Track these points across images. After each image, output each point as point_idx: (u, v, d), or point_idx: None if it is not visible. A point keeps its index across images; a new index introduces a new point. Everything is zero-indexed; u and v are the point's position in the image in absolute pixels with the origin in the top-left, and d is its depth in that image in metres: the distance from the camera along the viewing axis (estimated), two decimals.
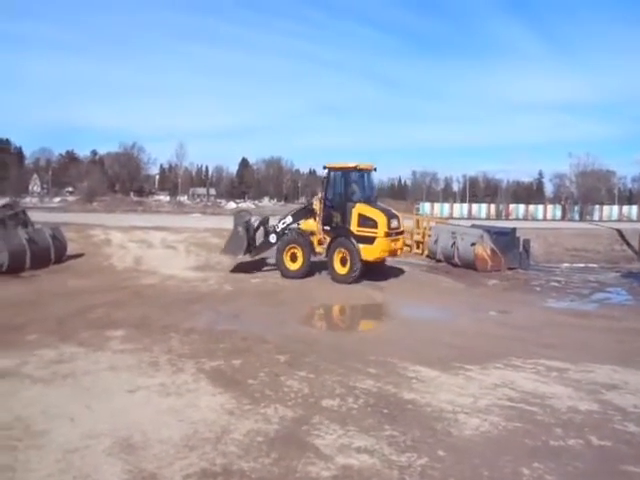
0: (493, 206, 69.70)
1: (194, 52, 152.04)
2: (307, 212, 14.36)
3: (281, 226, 14.11)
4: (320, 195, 14.08)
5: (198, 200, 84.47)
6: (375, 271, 13.50)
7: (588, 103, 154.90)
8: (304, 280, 13.28)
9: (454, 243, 16.63)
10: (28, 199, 61.59)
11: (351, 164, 13.74)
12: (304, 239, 13.76)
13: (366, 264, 13.02)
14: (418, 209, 60.04)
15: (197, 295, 11.30)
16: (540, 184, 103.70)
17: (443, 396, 5.59)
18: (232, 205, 76.63)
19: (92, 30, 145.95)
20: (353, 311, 10.96)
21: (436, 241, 17.55)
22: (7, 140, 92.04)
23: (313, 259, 13.77)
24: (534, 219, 58.70)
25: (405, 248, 20.15)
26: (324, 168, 14.26)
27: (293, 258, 13.66)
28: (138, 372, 6.24)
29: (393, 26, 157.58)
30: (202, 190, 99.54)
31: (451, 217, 51.56)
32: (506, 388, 5.89)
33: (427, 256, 18.26)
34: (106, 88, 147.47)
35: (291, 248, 13.65)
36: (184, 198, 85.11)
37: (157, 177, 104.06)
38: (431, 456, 4.22)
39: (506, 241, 16.72)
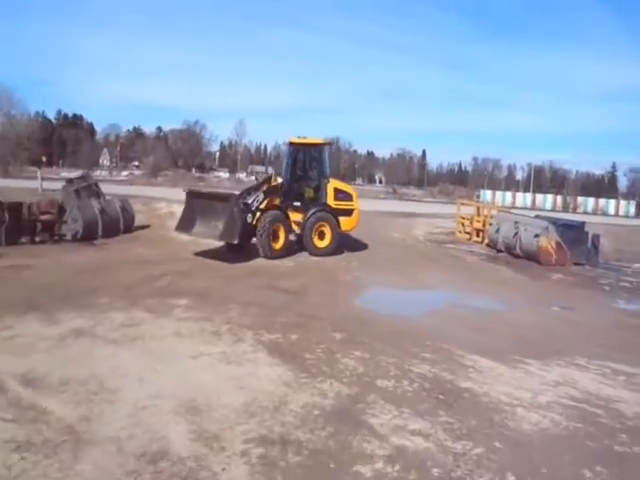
0: (559, 197, 66.63)
1: (259, 33, 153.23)
2: (272, 189, 13.52)
3: (255, 204, 12.91)
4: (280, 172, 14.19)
5: (255, 177, 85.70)
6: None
7: None
8: (353, 260, 13.33)
9: (517, 233, 16.07)
10: (98, 172, 64.62)
11: (322, 140, 14.62)
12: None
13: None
14: (479, 196, 58.35)
15: (257, 269, 11.59)
16: (613, 177, 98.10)
17: (501, 388, 5.50)
18: None
19: (163, 11, 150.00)
20: (408, 295, 10.88)
21: (497, 230, 17.03)
22: (81, 116, 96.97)
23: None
24: (604, 214, 55.70)
25: (465, 235, 19.79)
26: (289, 144, 14.34)
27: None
28: (201, 339, 6.52)
29: (465, 8, 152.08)
30: (260, 168, 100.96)
31: (514, 206, 49.78)
32: (568, 387, 5.71)
33: (487, 245, 17.79)
34: (172, 67, 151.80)
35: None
36: (243, 175, 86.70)
37: (217, 154, 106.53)
38: (487, 446, 4.19)
39: (573, 235, 15.94)
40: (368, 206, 37.72)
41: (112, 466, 3.60)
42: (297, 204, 13.72)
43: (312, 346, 6.47)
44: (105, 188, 17.06)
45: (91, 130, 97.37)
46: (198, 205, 12.80)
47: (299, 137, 14.77)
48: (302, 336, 6.87)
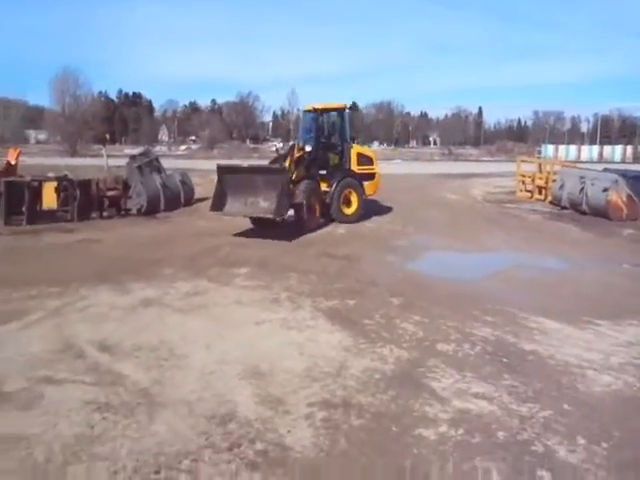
0: (630, 148, 62.16)
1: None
2: (299, 159, 12.75)
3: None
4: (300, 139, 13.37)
5: (277, 149, 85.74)
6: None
7: None
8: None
9: (583, 189, 15.22)
10: (158, 147, 66.67)
11: (341, 104, 13.93)
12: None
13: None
14: (540, 152, 55.56)
15: (312, 238, 11.67)
16: None
17: (568, 350, 5.31)
18: None
19: None
20: (468, 258, 10.62)
21: (561, 187, 16.20)
22: (140, 94, 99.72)
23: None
24: None
25: (526, 194, 18.97)
26: (313, 111, 13.52)
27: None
28: (262, 307, 6.69)
29: None
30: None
31: (578, 160, 47.00)
32: None
33: (550, 202, 17.01)
34: (223, 38, 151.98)
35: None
36: None
37: (270, 124, 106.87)
38: (555, 409, 4.08)
39: None
40: (422, 169, 36.91)
41: (184, 427, 3.81)
42: (322, 172, 13.18)
43: (370, 312, 6.48)
44: (165, 163, 17.58)
45: (150, 107, 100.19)
46: (232, 181, 11.85)
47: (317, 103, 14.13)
48: (360, 302, 6.90)
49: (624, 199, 14.37)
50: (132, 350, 5.24)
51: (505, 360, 5.04)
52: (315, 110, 13.48)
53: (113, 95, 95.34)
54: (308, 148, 12.80)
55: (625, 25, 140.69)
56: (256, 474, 3.27)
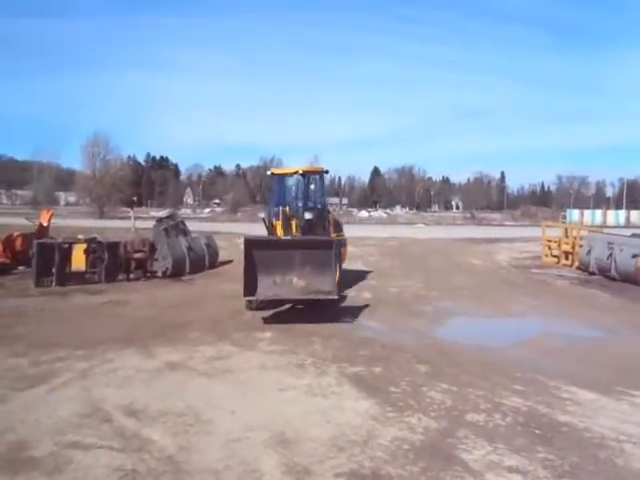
0: None
1: (324, 65, 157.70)
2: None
3: None
4: (285, 205, 11.90)
5: (332, 209, 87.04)
6: None
7: None
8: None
9: (611, 254, 15.05)
10: (183, 210, 68.63)
11: (320, 167, 13.40)
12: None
13: None
14: (565, 217, 55.35)
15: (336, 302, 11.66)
16: None
17: (604, 422, 5.12)
18: (364, 214, 77.68)
19: (238, 50, 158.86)
20: (494, 324, 10.46)
21: (589, 252, 16.05)
22: (167, 158, 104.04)
23: None
24: None
25: (552, 259, 18.80)
26: (298, 174, 12.22)
27: None
28: (286, 372, 6.65)
29: (542, 20, 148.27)
30: (335, 199, 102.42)
31: (605, 225, 46.61)
32: None
33: (577, 268, 16.79)
34: (248, 105, 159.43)
35: None
36: None
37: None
38: None
39: None
40: (445, 233, 37.02)
41: None
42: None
43: (397, 379, 6.39)
44: (189, 225, 18.08)
45: (176, 171, 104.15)
46: (263, 257, 9.91)
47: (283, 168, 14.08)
48: (386, 369, 6.81)
49: None
50: (158, 415, 5.23)
51: (538, 432, 4.87)
52: (304, 173, 12.24)
53: (141, 159, 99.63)
54: (308, 215, 11.64)
55: None
56: None
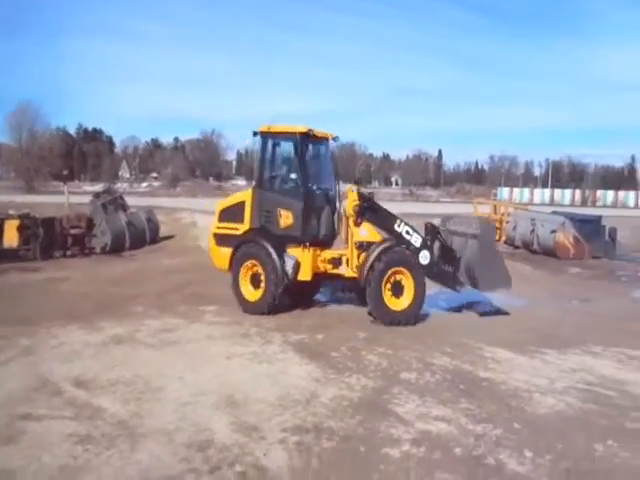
0: (578, 192, 65.91)
1: (272, 39, 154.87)
2: None
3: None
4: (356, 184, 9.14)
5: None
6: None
7: None
8: None
9: (533, 230, 16.28)
10: (119, 184, 65.99)
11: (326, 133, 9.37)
12: None
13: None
14: (496, 194, 58.08)
15: None
16: (632, 169, 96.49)
17: (519, 376, 5.81)
18: None
19: (178, 20, 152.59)
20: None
21: (514, 228, 17.25)
22: (100, 130, 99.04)
23: None
24: (625, 206, 55.00)
25: None
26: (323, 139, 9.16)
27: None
28: (232, 341, 6.95)
29: (476, 3, 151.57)
30: None
31: (531, 203, 49.47)
32: (584, 373, 5.98)
33: (504, 242, 17.98)
34: (187, 77, 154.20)
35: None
36: None
37: (234, 162, 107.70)
38: (506, 428, 4.51)
39: (590, 229, 16.11)
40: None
41: (166, 455, 4.02)
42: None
43: (337, 345, 6.84)
44: (127, 200, 17.67)
45: (110, 143, 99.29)
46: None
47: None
48: (327, 336, 7.26)
49: (571, 240, 15.46)
50: (108, 385, 5.39)
51: (462, 386, 5.48)
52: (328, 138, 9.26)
53: (72, 130, 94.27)
54: (354, 189, 8.66)
55: (577, 77, 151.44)
56: None
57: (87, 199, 16.77)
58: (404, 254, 8.25)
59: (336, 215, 9.02)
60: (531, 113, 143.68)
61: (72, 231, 14.47)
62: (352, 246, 8.45)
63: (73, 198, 24.15)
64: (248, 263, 8.57)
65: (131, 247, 15.26)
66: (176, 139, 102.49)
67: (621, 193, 63.97)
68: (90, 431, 4.39)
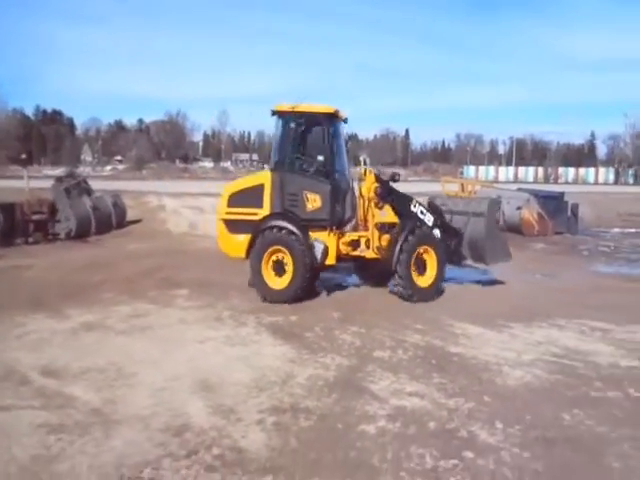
0: (541, 169, 67.62)
1: (237, 18, 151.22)
2: None
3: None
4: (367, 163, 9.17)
5: (241, 166, 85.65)
6: None
7: None
8: None
9: (500, 207, 16.60)
10: (81, 168, 64.11)
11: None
12: None
13: None
14: (462, 173, 59.01)
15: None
16: (592, 146, 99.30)
17: (488, 350, 5.98)
18: None
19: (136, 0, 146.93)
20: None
21: None
22: (60, 111, 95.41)
23: None
24: (585, 183, 56.79)
25: None
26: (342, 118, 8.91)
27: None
28: (205, 325, 6.90)
29: None
30: (245, 156, 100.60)
31: (497, 180, 50.50)
32: (550, 345, 6.20)
33: None
34: (151, 56, 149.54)
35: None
36: (227, 164, 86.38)
37: (200, 144, 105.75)
38: (477, 401, 4.65)
39: (554, 205, 16.59)
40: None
41: (142, 440, 3.99)
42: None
43: (311, 325, 6.88)
44: (91, 184, 17.19)
45: (71, 125, 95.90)
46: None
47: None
48: (301, 317, 7.28)
49: (535, 216, 15.88)
50: (79, 373, 5.29)
51: (434, 362, 5.60)
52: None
53: (30, 112, 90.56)
54: (371, 170, 8.95)
55: (540, 57, 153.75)
56: (216, 475, 3.54)
57: (48, 184, 16.19)
58: (429, 233, 8.63)
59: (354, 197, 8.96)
60: (496, 92, 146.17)
61: (34, 217, 13.99)
62: (373, 228, 8.57)
63: (33, 183, 23.27)
64: (272, 249, 8.14)
65: (97, 232, 14.89)
66: (140, 120, 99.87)
67: (581, 170, 65.98)
68: (62, 420, 4.31)
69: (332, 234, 8.34)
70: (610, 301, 8.49)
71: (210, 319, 7.20)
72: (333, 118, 8.50)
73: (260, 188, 8.39)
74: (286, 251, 8.07)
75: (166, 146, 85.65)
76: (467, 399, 4.68)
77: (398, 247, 8.23)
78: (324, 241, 8.27)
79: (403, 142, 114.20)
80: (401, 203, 8.82)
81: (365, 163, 9.14)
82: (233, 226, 8.41)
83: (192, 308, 7.76)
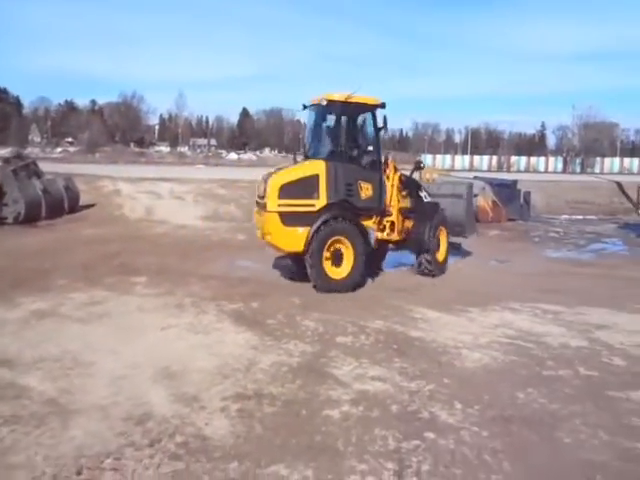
0: (495, 158, 69.43)
1: (196, 0, 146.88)
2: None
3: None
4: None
5: (199, 151, 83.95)
6: None
7: (593, 54, 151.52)
8: None
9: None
10: (29, 149, 61.19)
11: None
12: None
13: None
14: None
15: (210, 243, 11.78)
16: (542, 136, 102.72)
17: (447, 334, 6.14)
18: (233, 156, 76.21)
19: None
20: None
21: None
22: (5, 89, 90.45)
23: None
24: (535, 171, 58.75)
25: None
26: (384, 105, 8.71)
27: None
28: (166, 313, 6.77)
29: None
30: (203, 141, 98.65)
31: (453, 169, 51.56)
32: (505, 328, 6.43)
33: None
34: (105, 35, 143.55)
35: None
36: (185, 149, 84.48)
37: (157, 127, 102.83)
38: (438, 383, 4.78)
39: (507, 193, 17.12)
40: None
41: (102, 430, 3.89)
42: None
43: (273, 312, 6.86)
44: (42, 167, 16.48)
45: (18, 104, 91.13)
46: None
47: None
48: (263, 303, 7.26)
49: (490, 204, 16.33)
50: (33, 362, 5.09)
51: (395, 346, 5.71)
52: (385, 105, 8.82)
53: None
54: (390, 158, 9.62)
55: (494, 48, 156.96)
56: (179, 463, 3.49)
57: None
58: (445, 216, 9.75)
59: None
60: (452, 82, 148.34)
61: None
62: (397, 212, 9.18)
63: None
64: (332, 240, 8.05)
65: (48, 217, 14.28)
66: (93, 102, 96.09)
67: (533, 159, 68.17)
68: (16, 411, 4.14)
69: (376, 221, 8.83)
70: (561, 285, 8.87)
71: (170, 306, 7.07)
72: (381, 108, 8.75)
73: (315, 178, 8.10)
74: (347, 241, 8.15)
75: (120, 129, 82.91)
76: (427, 382, 4.80)
77: (427, 228, 9.07)
78: (374, 228, 8.73)
79: None
80: (414, 188, 9.72)
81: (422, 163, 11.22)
82: (290, 219, 7.97)
83: (151, 295, 7.59)
